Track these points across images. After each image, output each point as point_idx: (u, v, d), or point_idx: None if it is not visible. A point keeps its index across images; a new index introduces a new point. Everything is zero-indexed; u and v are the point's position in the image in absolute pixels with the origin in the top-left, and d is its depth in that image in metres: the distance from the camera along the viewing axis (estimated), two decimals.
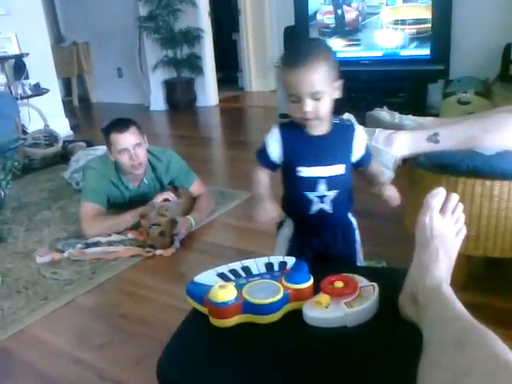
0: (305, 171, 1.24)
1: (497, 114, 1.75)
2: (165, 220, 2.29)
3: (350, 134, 1.28)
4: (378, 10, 3.85)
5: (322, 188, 1.25)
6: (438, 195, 1.00)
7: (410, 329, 0.91)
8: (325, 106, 1.18)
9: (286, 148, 1.26)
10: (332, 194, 1.26)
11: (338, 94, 1.21)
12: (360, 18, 3.94)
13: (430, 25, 3.68)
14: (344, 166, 1.26)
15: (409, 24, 3.75)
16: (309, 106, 1.16)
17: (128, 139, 2.39)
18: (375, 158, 1.67)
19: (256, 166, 1.33)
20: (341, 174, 1.26)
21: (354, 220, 1.37)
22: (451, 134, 1.68)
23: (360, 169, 1.34)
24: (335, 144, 1.26)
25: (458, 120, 1.87)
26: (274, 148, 1.27)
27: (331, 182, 1.25)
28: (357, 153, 1.29)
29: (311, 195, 1.26)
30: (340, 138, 1.27)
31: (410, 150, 1.70)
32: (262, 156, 1.30)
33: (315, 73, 1.13)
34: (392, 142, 1.69)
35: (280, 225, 1.38)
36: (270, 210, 1.22)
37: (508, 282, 1.85)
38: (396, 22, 3.81)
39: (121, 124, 2.43)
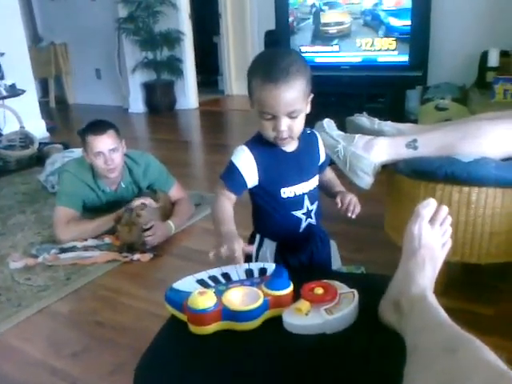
0: (290, 191, 1.20)
1: (474, 122, 1.77)
2: (139, 219, 2.27)
3: (315, 142, 1.28)
4: (357, 15, 3.88)
5: (307, 203, 1.22)
6: (428, 206, 1.01)
7: (389, 335, 0.92)
8: (300, 124, 1.14)
9: (261, 169, 1.16)
10: (314, 206, 1.25)
11: (309, 109, 1.16)
12: (339, 23, 3.96)
13: (408, 32, 3.72)
14: (317, 176, 1.27)
15: (387, 30, 3.79)
16: (284, 125, 1.10)
17: (104, 143, 2.34)
18: (355, 164, 1.68)
19: (218, 193, 1.18)
20: (315, 186, 1.26)
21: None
22: (429, 141, 1.70)
23: (319, 175, 1.30)
24: (308, 156, 1.24)
25: (436, 127, 1.89)
26: (248, 170, 1.16)
27: (311, 195, 1.24)
28: (321, 159, 1.30)
29: (299, 213, 1.22)
30: (309, 148, 1.25)
31: (390, 156, 1.71)
32: (232, 179, 1.16)
33: (294, 91, 1.07)
34: (372, 148, 1.70)
35: (254, 242, 1.26)
36: (239, 250, 1.03)
37: (485, 288, 1.87)
38: (375, 28, 3.85)
39: (99, 126, 2.38)
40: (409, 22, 3.66)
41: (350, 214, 1.23)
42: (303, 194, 1.22)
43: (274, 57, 1.11)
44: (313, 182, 1.24)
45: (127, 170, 2.53)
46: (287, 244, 1.26)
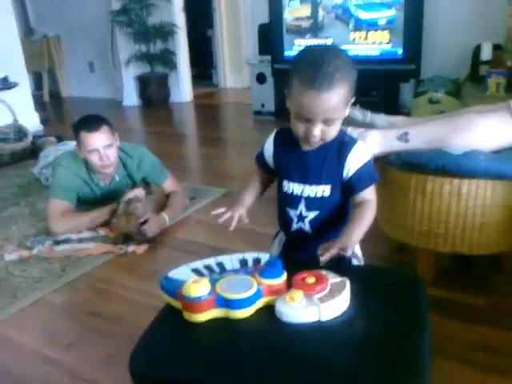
0: (288, 186, 1.19)
1: (465, 115, 1.79)
2: (136, 210, 2.28)
3: (345, 152, 1.13)
4: (351, 9, 3.89)
5: (301, 207, 1.18)
6: None
7: (383, 321, 0.94)
8: (334, 131, 1.09)
9: (275, 156, 1.22)
10: (312, 215, 1.18)
11: (347, 112, 1.11)
12: (333, 17, 4.00)
13: (402, 25, 3.73)
14: (330, 187, 1.15)
15: (381, 23, 3.80)
16: (318, 129, 1.06)
17: (98, 139, 2.32)
18: None
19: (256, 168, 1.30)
20: (323, 196, 1.16)
21: None
22: (421, 134, 1.72)
23: (351, 196, 1.17)
24: (325, 162, 1.14)
25: (427, 120, 1.91)
26: (268, 153, 1.23)
27: (311, 202, 1.17)
28: (347, 173, 1.14)
29: (292, 213, 1.20)
30: (330, 155, 1.14)
31: (381, 148, 1.73)
32: (259, 157, 1.26)
33: (335, 99, 1.02)
34: (363, 141, 1.72)
35: (276, 235, 1.34)
36: (234, 218, 1.18)
37: (475, 278, 1.90)
38: (369, 22, 3.86)
39: (91, 122, 2.35)
40: (377, 15, 3.72)
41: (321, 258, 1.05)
42: (300, 195, 1.17)
43: (321, 58, 1.02)
44: (317, 190, 1.16)
45: (121, 163, 2.52)
46: (287, 238, 1.28)
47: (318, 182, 1.16)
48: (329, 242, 1.07)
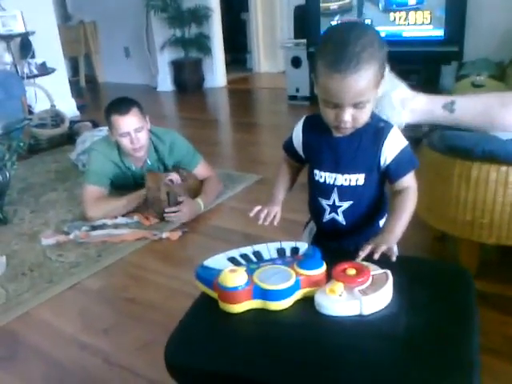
0: (320, 175, 1.13)
1: None
2: (168, 189, 2.32)
3: (381, 138, 1.07)
4: None
5: (334, 197, 1.13)
6: None
7: (427, 315, 0.89)
8: (366, 114, 1.03)
9: (305, 144, 1.16)
10: (346, 205, 1.12)
11: (380, 91, 1.03)
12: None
13: (444, 5, 3.58)
14: (364, 175, 1.09)
15: (422, 4, 3.65)
16: (348, 115, 1.00)
17: (129, 122, 2.32)
18: (385, 112, 1.52)
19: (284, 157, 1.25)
20: (357, 185, 1.10)
21: None
22: (468, 104, 1.61)
23: (390, 185, 1.12)
24: (359, 150, 1.08)
25: (476, 93, 1.81)
26: (297, 140, 1.17)
27: (344, 192, 1.11)
28: (385, 160, 1.09)
29: (324, 202, 1.15)
30: (365, 141, 1.08)
31: (423, 115, 1.58)
32: (288, 144, 1.21)
33: (364, 80, 0.95)
34: (408, 104, 1.60)
35: (306, 224, 1.30)
36: (271, 214, 1.15)
37: None
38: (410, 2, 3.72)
39: (122, 105, 2.36)
40: None
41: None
42: (333, 185, 1.12)
43: (346, 37, 0.95)
44: (350, 179, 1.10)
45: (152, 147, 2.52)
46: (319, 228, 1.23)
47: (352, 171, 1.09)
48: (370, 239, 1.03)
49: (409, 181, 1.10)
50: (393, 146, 1.07)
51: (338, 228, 1.16)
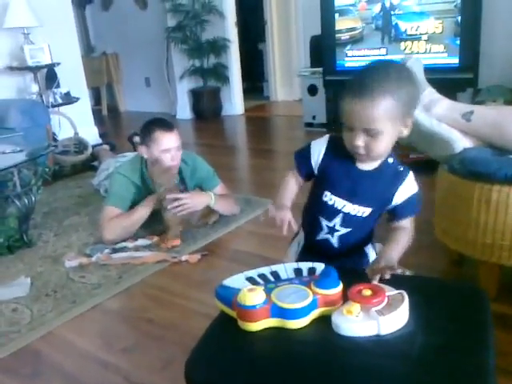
0: (330, 198, 1.17)
1: None
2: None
3: (397, 181, 1.15)
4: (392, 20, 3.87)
5: (336, 221, 1.18)
6: None
7: (444, 335, 0.90)
8: (380, 146, 1.06)
9: (324, 165, 1.17)
10: (344, 231, 1.19)
11: (406, 132, 1.09)
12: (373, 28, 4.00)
13: (457, 33, 3.64)
14: (371, 209, 1.17)
15: (437, 33, 3.72)
16: (360, 140, 1.05)
17: (173, 139, 2.43)
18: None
19: (289, 170, 1.26)
20: (361, 216, 1.17)
21: (371, 251, 1.27)
22: (484, 115, 1.71)
23: (390, 221, 1.20)
24: (375, 187, 1.15)
25: (497, 106, 1.92)
26: (316, 154, 1.18)
27: (348, 219, 1.17)
28: (395, 201, 1.17)
29: (324, 223, 1.19)
30: (384, 182, 1.15)
31: (442, 119, 1.73)
32: (301, 157, 1.21)
33: (373, 108, 1.00)
34: (433, 107, 1.73)
35: (295, 236, 1.33)
36: (285, 221, 1.12)
37: None
38: (425, 31, 3.78)
39: (166, 122, 2.48)
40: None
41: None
42: (340, 210, 1.17)
43: (370, 69, 1.07)
44: (358, 210, 1.16)
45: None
46: (308, 244, 1.27)
47: (364, 204, 1.16)
48: (373, 264, 1.11)
49: (407, 223, 1.19)
50: (406, 191, 1.16)
51: (329, 248, 1.22)
